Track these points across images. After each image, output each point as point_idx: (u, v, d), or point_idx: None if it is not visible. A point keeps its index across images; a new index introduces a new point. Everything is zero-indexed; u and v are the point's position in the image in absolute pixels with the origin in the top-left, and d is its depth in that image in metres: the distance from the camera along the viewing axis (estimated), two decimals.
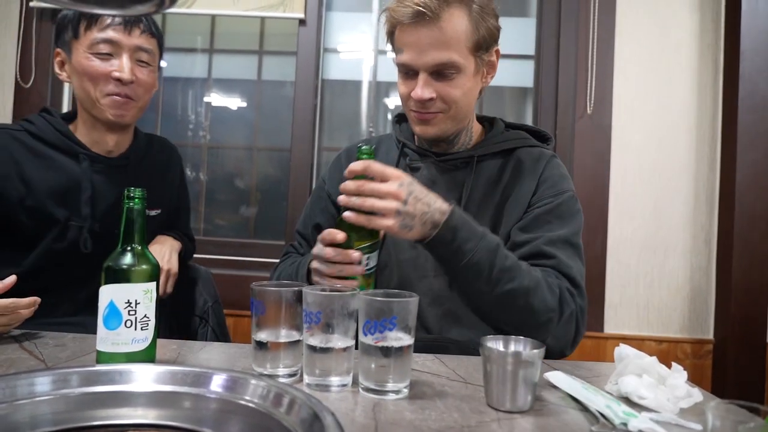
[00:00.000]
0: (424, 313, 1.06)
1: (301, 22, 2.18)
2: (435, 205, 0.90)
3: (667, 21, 2.05)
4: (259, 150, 2.34)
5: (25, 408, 0.56)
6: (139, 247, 0.74)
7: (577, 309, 0.98)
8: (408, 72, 1.03)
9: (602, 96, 2.04)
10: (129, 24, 1.13)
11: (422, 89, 1.01)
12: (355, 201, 0.87)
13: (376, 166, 0.89)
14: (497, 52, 1.07)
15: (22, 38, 2.13)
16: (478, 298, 0.95)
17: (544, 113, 2.12)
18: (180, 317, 1.39)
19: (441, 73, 1.01)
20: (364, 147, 0.91)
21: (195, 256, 1.49)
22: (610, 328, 2.02)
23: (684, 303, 2.02)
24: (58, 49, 1.17)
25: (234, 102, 2.39)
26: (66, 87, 2.22)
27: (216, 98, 2.37)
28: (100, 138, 1.20)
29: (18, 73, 2.13)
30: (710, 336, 2.00)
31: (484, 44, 1.02)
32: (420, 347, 0.94)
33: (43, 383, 0.58)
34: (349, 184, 0.88)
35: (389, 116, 2.35)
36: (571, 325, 0.97)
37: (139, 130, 1.33)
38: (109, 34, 1.12)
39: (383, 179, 0.88)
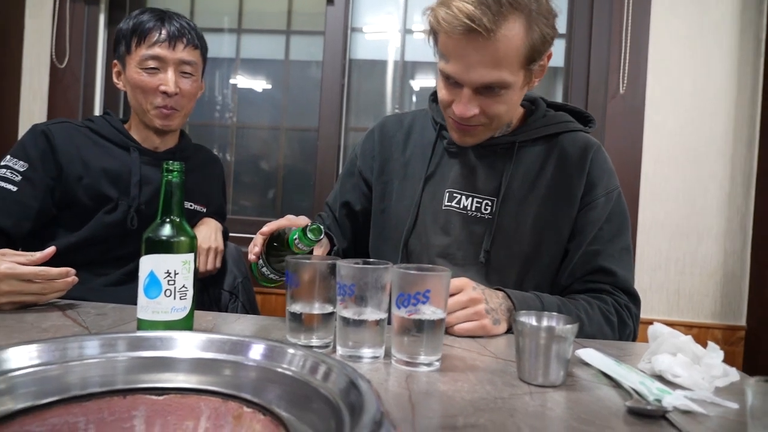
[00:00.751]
0: None
1: (329, 1, 2.18)
2: (499, 294, 0.92)
3: None
4: (286, 130, 2.36)
5: (75, 370, 0.59)
6: (178, 220, 0.76)
7: (633, 321, 1.02)
8: (450, 79, 0.96)
9: (636, 75, 1.99)
10: (173, 39, 1.25)
11: (465, 106, 0.95)
12: (449, 320, 0.86)
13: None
14: (549, 54, 0.97)
15: (56, 19, 2.17)
16: None
17: (575, 93, 2.08)
18: (211, 293, 1.43)
19: (488, 88, 0.94)
20: (314, 226, 0.84)
21: None
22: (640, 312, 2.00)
23: (716, 288, 1.99)
24: (116, 61, 1.31)
25: (260, 84, 2.40)
26: (99, 68, 2.26)
27: (242, 80, 2.39)
28: (149, 137, 1.33)
29: (53, 54, 2.17)
30: (743, 322, 1.97)
31: (538, 55, 0.94)
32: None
33: (91, 347, 0.61)
34: None
35: (414, 98, 2.34)
36: (629, 338, 1.02)
37: (187, 135, 1.45)
38: (156, 50, 1.23)
39: (457, 292, 0.87)
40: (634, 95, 1.99)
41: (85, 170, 1.24)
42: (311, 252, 0.91)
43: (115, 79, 1.32)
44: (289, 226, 0.92)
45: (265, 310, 2.00)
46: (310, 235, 0.82)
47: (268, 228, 0.92)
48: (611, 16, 2.00)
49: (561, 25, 2.16)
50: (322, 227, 0.83)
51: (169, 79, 1.24)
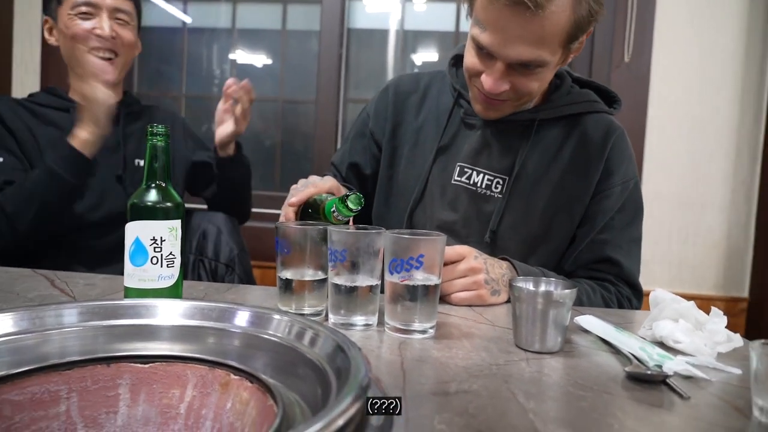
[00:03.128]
0: None
1: None
2: (503, 264, 0.90)
3: None
4: (284, 102, 2.32)
5: (53, 338, 0.57)
6: (164, 185, 0.74)
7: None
8: (483, 49, 0.88)
9: (641, 43, 1.94)
10: None
11: (496, 82, 0.89)
12: (447, 288, 0.85)
13: (450, 252, 0.84)
14: (589, 31, 0.90)
15: None
16: None
17: (579, 62, 2.03)
18: (206, 265, 1.41)
19: (523, 65, 0.88)
20: (352, 195, 0.78)
21: None
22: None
23: (719, 260, 1.97)
24: (46, 17, 1.30)
25: (258, 57, 2.35)
26: None
27: (241, 55, 2.34)
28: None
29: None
30: (745, 294, 1.95)
31: (581, 33, 0.87)
32: None
33: (70, 315, 0.59)
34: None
35: (416, 71, 2.29)
36: None
37: (132, 95, 1.42)
38: None
39: (459, 260, 0.85)
40: (639, 64, 1.94)
41: (33, 141, 1.24)
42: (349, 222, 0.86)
43: (47, 35, 1.30)
44: (318, 193, 0.87)
45: (265, 283, 1.99)
46: (350, 204, 0.77)
47: (297, 199, 0.86)
48: None
49: None
50: (361, 196, 0.77)
51: (104, 24, 1.24)
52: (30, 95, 1.33)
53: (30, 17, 2.14)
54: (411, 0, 2.21)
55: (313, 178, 0.92)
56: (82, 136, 1.15)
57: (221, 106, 1.28)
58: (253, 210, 2.18)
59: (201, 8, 2.34)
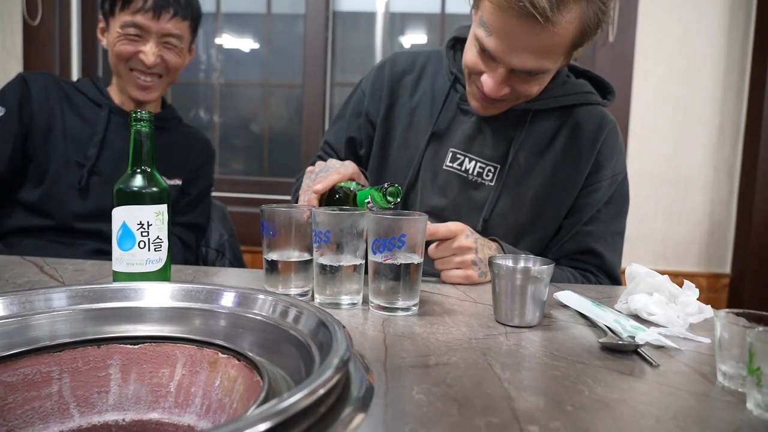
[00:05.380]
0: None
1: None
2: (493, 245, 0.91)
3: None
4: (271, 87, 2.31)
5: (44, 322, 0.58)
6: (149, 170, 0.74)
7: None
8: (486, 51, 0.87)
9: (625, 23, 1.95)
10: (159, 9, 1.18)
11: (497, 86, 0.88)
12: (442, 265, 0.88)
13: (442, 230, 0.85)
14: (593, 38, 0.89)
15: None
16: None
17: None
18: (197, 251, 1.43)
19: (525, 71, 0.87)
20: (392, 188, 0.76)
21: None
22: (627, 262, 2.00)
23: (702, 237, 2.00)
24: (101, 17, 1.25)
25: (243, 42, 2.33)
26: (75, 25, 2.18)
27: (227, 39, 2.32)
28: (125, 102, 1.29)
29: (25, 11, 2.10)
30: (727, 270, 1.99)
31: (586, 41, 0.86)
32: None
33: (59, 299, 0.60)
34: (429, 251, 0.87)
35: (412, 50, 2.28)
36: None
37: (171, 107, 1.39)
38: (138, 19, 1.18)
39: (452, 237, 0.86)
40: (624, 44, 1.95)
41: (52, 122, 1.21)
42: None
43: (99, 35, 1.27)
44: (342, 179, 0.86)
45: (255, 268, 2.00)
46: (390, 198, 0.75)
47: (322, 186, 0.85)
48: None
49: None
50: (400, 188, 0.76)
51: (149, 51, 1.19)
52: (79, 80, 1.31)
53: (10, 4, 2.11)
54: None
55: (333, 163, 0.92)
56: None
57: None
58: (243, 195, 2.20)
59: None
